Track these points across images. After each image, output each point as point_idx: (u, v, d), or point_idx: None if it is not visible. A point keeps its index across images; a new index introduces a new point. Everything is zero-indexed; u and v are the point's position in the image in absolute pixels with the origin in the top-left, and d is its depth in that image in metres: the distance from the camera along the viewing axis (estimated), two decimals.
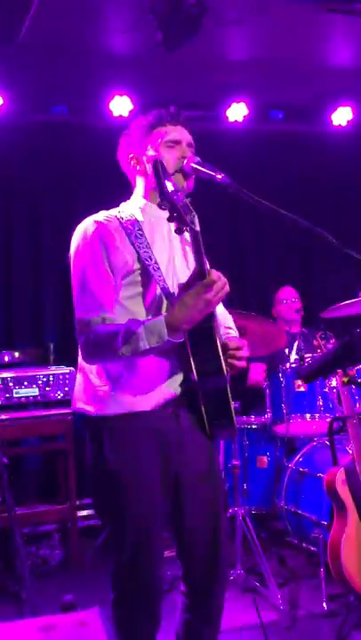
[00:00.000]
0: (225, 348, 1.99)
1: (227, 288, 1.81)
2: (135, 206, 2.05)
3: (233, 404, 1.97)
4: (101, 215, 1.99)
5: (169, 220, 1.75)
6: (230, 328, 2.22)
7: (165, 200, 1.73)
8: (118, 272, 1.90)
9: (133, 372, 1.90)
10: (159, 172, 1.76)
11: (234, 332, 2.21)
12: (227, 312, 2.29)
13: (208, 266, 1.90)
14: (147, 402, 1.90)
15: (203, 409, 1.91)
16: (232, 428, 1.97)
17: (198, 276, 1.80)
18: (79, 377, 2.00)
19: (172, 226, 1.98)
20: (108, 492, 1.92)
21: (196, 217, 1.79)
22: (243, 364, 2.01)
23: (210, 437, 1.97)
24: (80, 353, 1.92)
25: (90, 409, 1.93)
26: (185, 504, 1.97)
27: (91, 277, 1.89)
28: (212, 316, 1.87)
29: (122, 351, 1.79)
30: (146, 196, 2.06)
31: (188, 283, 1.81)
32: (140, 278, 1.91)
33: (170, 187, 1.74)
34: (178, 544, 2.03)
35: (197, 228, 1.79)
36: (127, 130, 2.09)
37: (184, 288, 1.81)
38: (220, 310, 2.23)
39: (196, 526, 1.99)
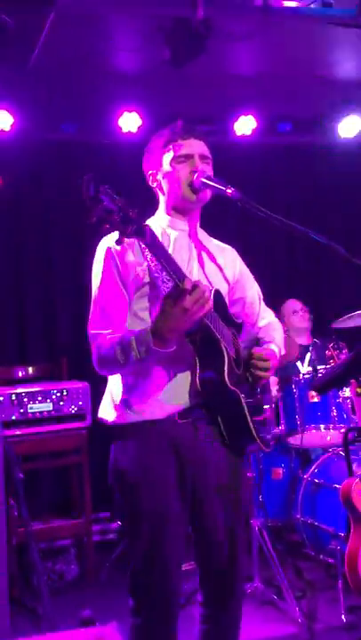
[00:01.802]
0: (249, 357, 2.04)
1: (206, 297, 1.79)
2: (157, 222, 2.11)
3: (256, 417, 1.99)
4: None
5: (108, 230, 1.69)
6: (269, 342, 2.20)
7: (98, 212, 1.65)
8: (130, 286, 1.97)
9: (147, 382, 1.96)
10: (93, 188, 1.67)
11: (273, 346, 2.19)
12: (274, 324, 2.30)
13: (194, 275, 1.96)
14: (161, 411, 1.95)
15: (220, 420, 1.96)
16: (253, 441, 1.99)
17: (175, 285, 1.80)
18: (107, 388, 2.09)
19: (174, 236, 2.05)
20: (124, 497, 1.98)
21: (148, 229, 1.73)
22: (264, 374, 2.04)
23: (234, 452, 2.01)
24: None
25: (108, 418, 2.02)
26: (202, 516, 2.01)
27: (102, 294, 1.99)
28: (209, 326, 1.87)
29: (120, 360, 1.88)
30: (168, 212, 2.12)
31: (169, 292, 1.82)
32: (148, 291, 1.96)
33: (106, 201, 1.66)
34: (196, 553, 2.06)
35: (148, 240, 1.74)
36: (147, 146, 2.15)
37: (165, 297, 1.83)
38: (267, 321, 2.27)
39: (213, 539, 2.02)
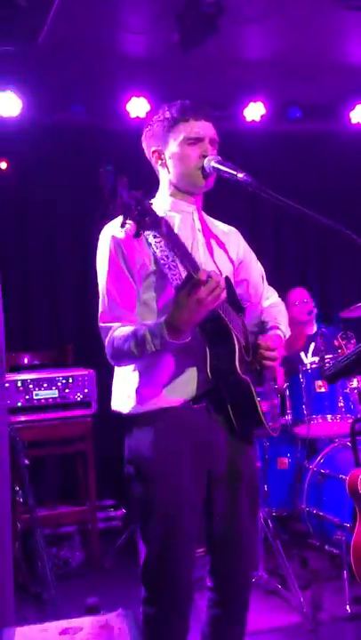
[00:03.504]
0: (257, 345, 2.04)
1: (221, 287, 1.78)
2: (159, 204, 2.04)
3: (263, 404, 1.99)
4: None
5: (122, 225, 1.69)
6: (274, 326, 2.19)
7: (118, 208, 1.65)
8: (137, 275, 1.95)
9: (160, 370, 1.95)
10: (111, 181, 1.69)
11: (281, 330, 2.19)
12: (277, 304, 2.30)
13: (204, 265, 1.90)
14: (175, 398, 1.95)
15: (229, 407, 1.96)
16: (262, 427, 2.00)
17: (189, 276, 1.79)
18: (115, 381, 2.08)
19: (178, 219, 2.00)
20: (141, 485, 1.96)
21: (164, 220, 1.72)
22: (272, 364, 2.05)
23: (242, 437, 2.01)
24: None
25: (123, 409, 2.01)
26: (216, 502, 2.00)
27: (110, 286, 1.96)
28: (222, 316, 1.87)
29: (135, 353, 1.88)
30: (171, 192, 2.07)
31: (182, 284, 1.81)
32: (155, 280, 1.94)
33: (124, 195, 1.65)
34: (207, 539, 2.05)
35: (165, 231, 1.73)
36: (151, 120, 2.07)
37: (179, 289, 1.82)
38: (270, 301, 2.27)
39: (225, 524, 2.01)
